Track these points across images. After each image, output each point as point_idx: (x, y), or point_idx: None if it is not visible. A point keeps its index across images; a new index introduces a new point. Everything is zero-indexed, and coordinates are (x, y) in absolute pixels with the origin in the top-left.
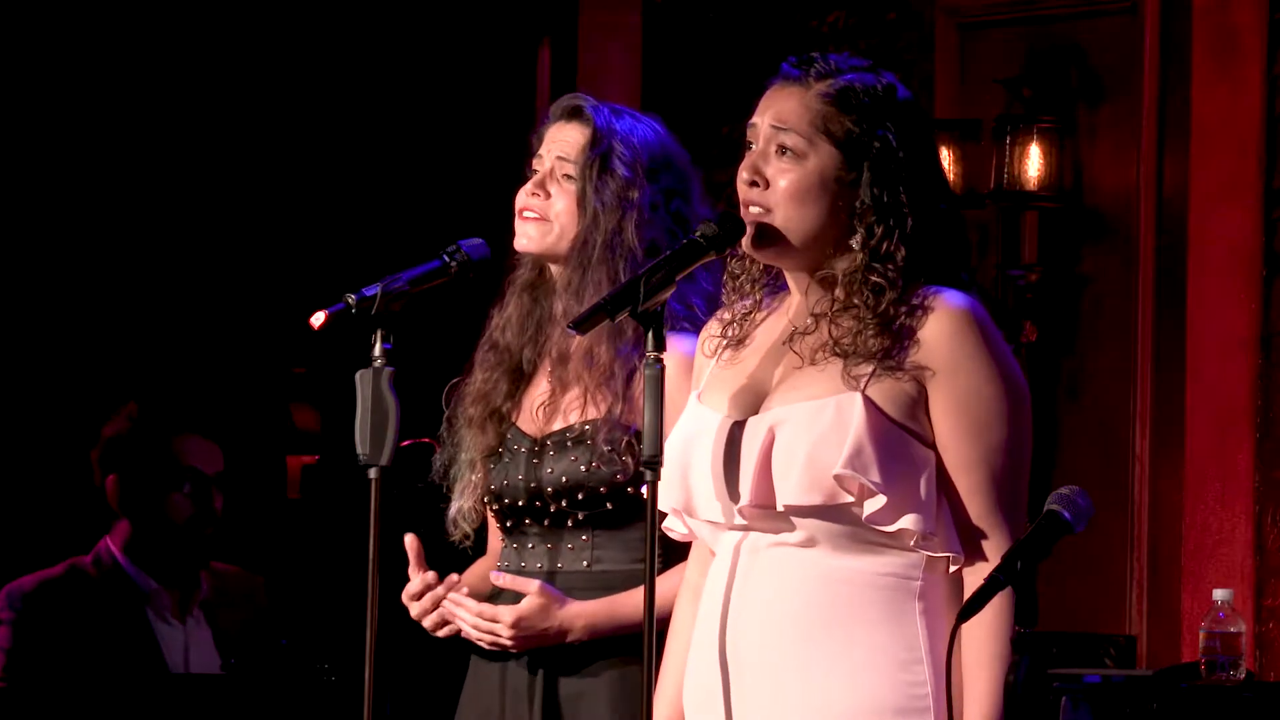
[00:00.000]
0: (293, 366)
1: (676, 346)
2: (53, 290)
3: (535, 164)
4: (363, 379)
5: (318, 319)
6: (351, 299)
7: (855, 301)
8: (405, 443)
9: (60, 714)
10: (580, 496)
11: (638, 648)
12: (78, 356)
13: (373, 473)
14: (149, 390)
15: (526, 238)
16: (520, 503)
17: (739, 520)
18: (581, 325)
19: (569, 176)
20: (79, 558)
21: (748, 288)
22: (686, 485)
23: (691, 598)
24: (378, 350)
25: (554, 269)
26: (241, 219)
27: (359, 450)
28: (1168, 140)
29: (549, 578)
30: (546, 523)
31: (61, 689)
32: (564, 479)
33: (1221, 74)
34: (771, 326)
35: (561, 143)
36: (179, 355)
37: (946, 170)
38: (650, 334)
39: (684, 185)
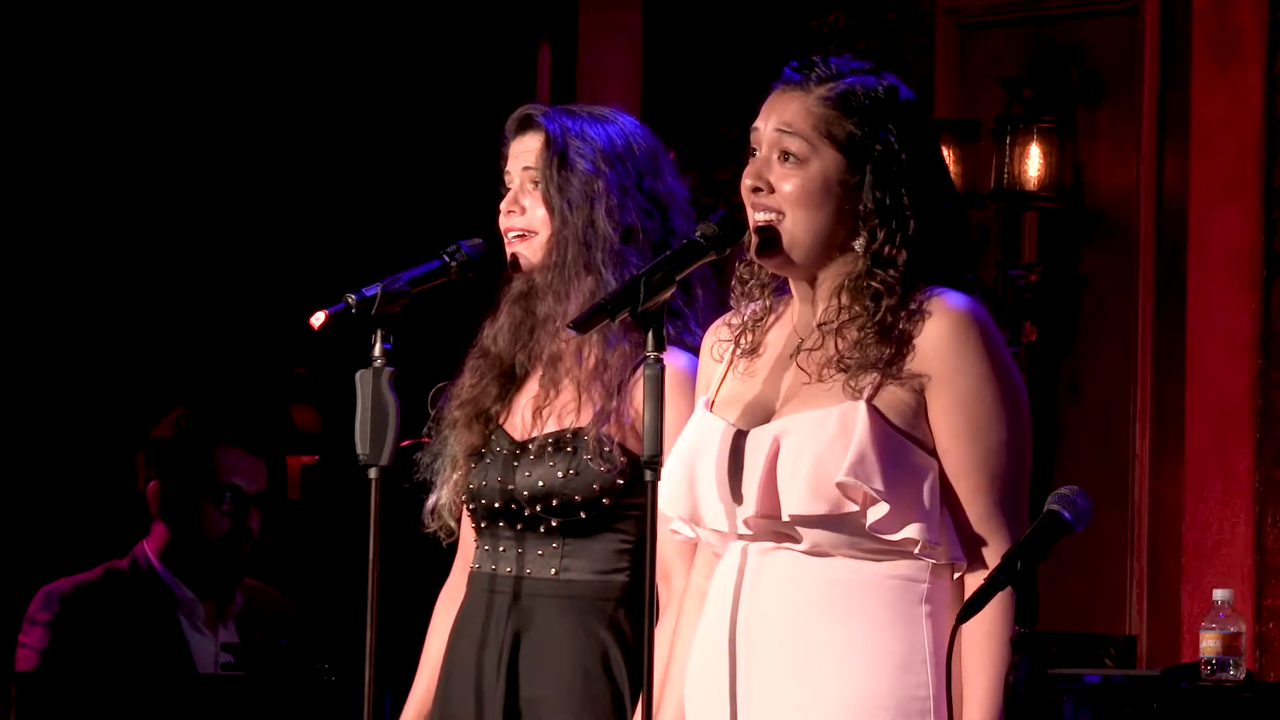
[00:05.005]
0: (293, 366)
1: (670, 361)
2: (91, 294)
3: (507, 180)
4: (363, 379)
5: (318, 319)
6: (351, 299)
7: (857, 309)
8: (405, 442)
9: (68, 712)
10: (554, 503)
11: (601, 654)
12: (125, 361)
13: (373, 473)
14: (198, 398)
15: (524, 255)
16: (496, 504)
17: (745, 530)
18: (581, 325)
19: (537, 184)
20: (115, 561)
21: (756, 292)
22: (692, 494)
23: (697, 601)
24: (378, 350)
25: (538, 275)
26: (242, 220)
27: (359, 450)
28: (1168, 140)
29: (516, 583)
30: (519, 526)
31: (84, 691)
32: (539, 484)
33: (1221, 74)
34: (778, 335)
35: (524, 154)
36: (231, 364)
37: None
38: (650, 334)
39: (653, 163)
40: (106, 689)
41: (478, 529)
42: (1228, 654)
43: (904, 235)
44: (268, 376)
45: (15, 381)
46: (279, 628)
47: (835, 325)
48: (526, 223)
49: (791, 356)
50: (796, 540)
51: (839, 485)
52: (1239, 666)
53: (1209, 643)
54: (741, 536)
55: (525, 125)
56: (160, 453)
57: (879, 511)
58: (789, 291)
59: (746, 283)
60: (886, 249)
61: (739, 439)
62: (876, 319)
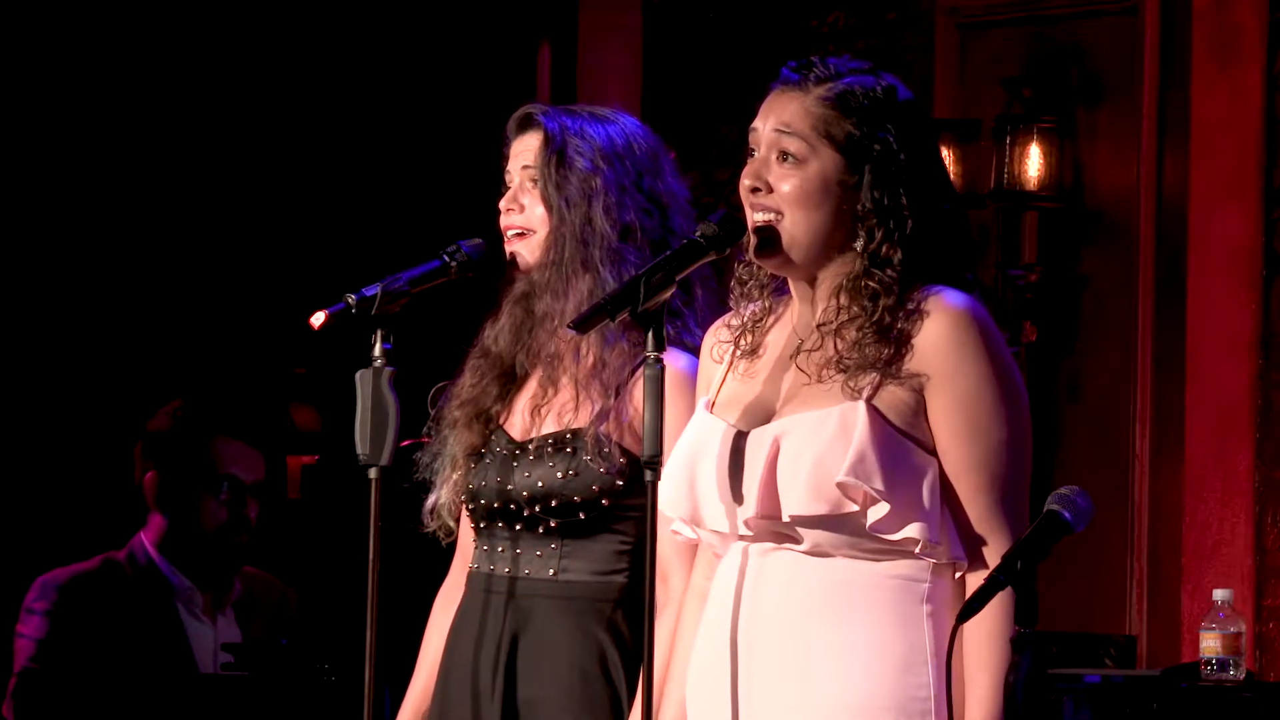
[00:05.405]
0: (293, 366)
1: (671, 361)
2: (91, 290)
3: (507, 180)
4: (363, 379)
5: (318, 319)
6: (351, 299)
7: (856, 309)
8: (405, 442)
9: (66, 708)
10: (553, 504)
11: (599, 655)
12: (125, 357)
13: (373, 473)
14: (196, 390)
15: (521, 254)
16: (495, 505)
17: (745, 531)
18: (581, 325)
19: (536, 182)
20: (113, 552)
21: (756, 293)
22: (693, 495)
23: (698, 601)
24: (378, 350)
25: (535, 273)
26: (242, 220)
27: (359, 450)
28: (1168, 140)
29: (514, 583)
30: (518, 526)
31: (82, 681)
32: (539, 484)
33: (1221, 74)
34: (778, 336)
35: (524, 153)
36: (229, 357)
37: (948, 170)
38: (650, 334)
39: (653, 163)
40: (104, 679)
41: (477, 529)
42: (1228, 654)
43: (902, 235)
44: (268, 376)
45: (14, 374)
46: (279, 616)
47: (834, 326)
48: (525, 221)
49: (791, 357)
50: (797, 541)
51: (839, 485)
52: (1239, 666)
53: (1209, 643)
54: (742, 537)
55: (526, 124)
56: (157, 444)
57: (879, 511)
58: (788, 292)
59: (746, 283)
60: (884, 249)
61: (739, 440)
62: (875, 319)
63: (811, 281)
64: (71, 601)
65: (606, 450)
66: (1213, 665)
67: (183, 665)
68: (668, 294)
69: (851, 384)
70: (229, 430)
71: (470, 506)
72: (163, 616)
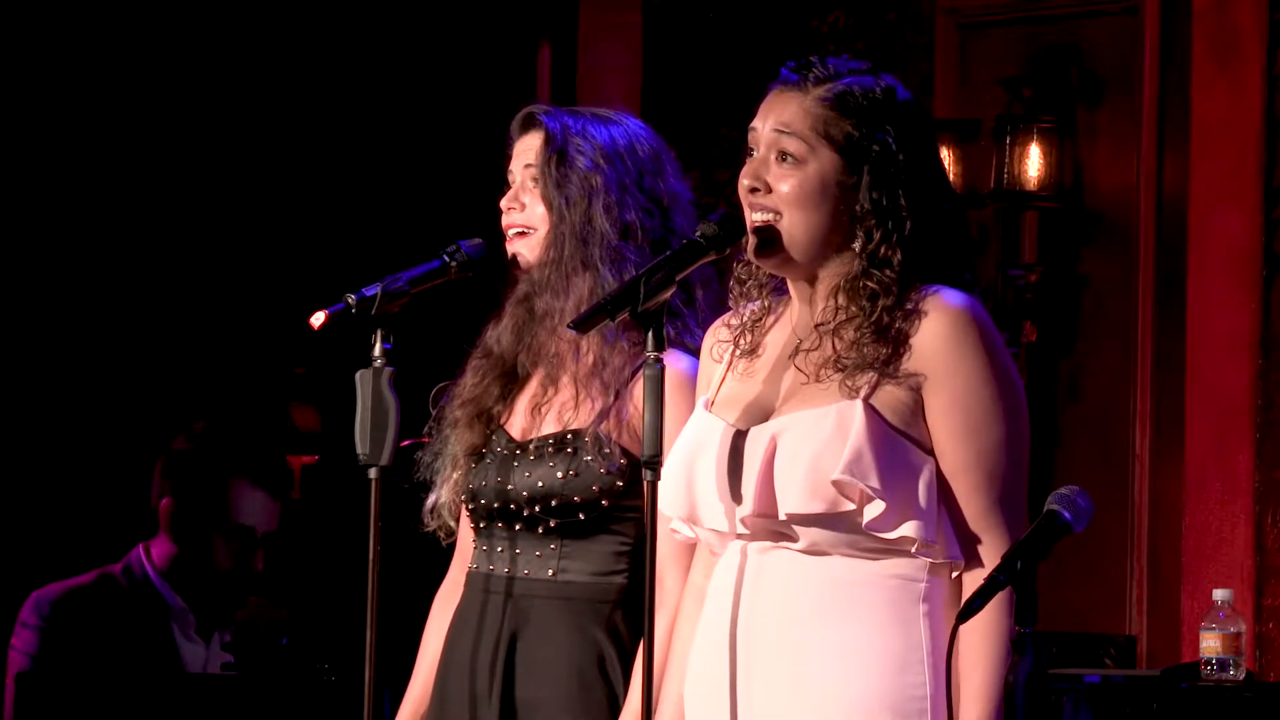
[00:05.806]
0: (293, 366)
1: (671, 362)
2: (91, 294)
3: (510, 180)
4: (363, 379)
5: (318, 319)
6: (351, 299)
7: (854, 309)
8: (405, 442)
9: (69, 713)
10: (553, 504)
11: (597, 656)
12: (124, 354)
13: (373, 473)
14: (218, 418)
15: (521, 253)
16: (495, 505)
17: (743, 529)
18: (581, 325)
19: (537, 180)
20: (110, 566)
21: (754, 292)
22: (691, 494)
23: (696, 600)
24: (378, 350)
25: (535, 272)
26: (242, 220)
27: (359, 450)
28: (1168, 140)
29: (513, 583)
30: (518, 526)
31: (72, 695)
32: (539, 484)
33: (1221, 74)
34: (778, 336)
35: (526, 152)
36: (228, 358)
37: (947, 170)
38: (650, 334)
39: (655, 163)
40: (95, 692)
41: (476, 529)
42: (1228, 654)
43: (900, 235)
44: (268, 376)
45: (18, 385)
46: (273, 639)
47: (833, 326)
48: (526, 219)
49: (790, 357)
50: (794, 539)
51: (835, 483)
52: (1239, 666)
53: (1209, 643)
54: (740, 536)
55: (528, 124)
56: (177, 469)
57: (875, 509)
58: (788, 292)
59: (745, 283)
60: (883, 249)
61: (738, 439)
62: (873, 319)
63: (810, 281)
64: (64, 617)
65: (607, 450)
66: (1213, 665)
67: (172, 682)
68: (668, 294)
69: (849, 383)
70: (251, 475)
71: (470, 506)
72: (155, 633)
